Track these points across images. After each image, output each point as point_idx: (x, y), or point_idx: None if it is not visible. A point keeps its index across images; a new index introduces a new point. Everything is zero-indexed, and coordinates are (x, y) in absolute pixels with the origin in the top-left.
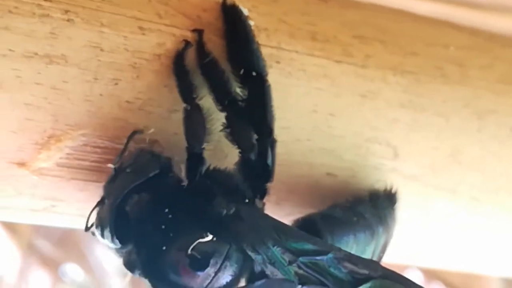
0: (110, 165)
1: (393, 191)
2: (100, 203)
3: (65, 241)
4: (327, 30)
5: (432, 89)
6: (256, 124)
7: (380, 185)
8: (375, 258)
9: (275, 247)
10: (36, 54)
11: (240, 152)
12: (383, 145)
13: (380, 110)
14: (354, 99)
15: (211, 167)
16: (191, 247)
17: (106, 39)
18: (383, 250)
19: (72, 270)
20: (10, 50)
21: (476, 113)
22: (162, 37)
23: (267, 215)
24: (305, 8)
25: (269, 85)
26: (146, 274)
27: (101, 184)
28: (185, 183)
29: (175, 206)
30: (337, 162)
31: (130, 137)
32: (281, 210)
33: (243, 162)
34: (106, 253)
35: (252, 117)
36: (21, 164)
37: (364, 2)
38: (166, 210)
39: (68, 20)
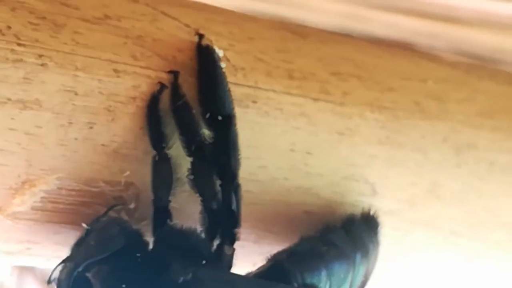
0: (84, 225)
1: (371, 213)
2: (64, 262)
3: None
4: (304, 67)
5: (410, 125)
6: (220, 169)
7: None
8: (356, 286)
9: None
10: (9, 99)
11: (201, 201)
12: (361, 182)
13: (357, 147)
14: (331, 137)
15: (170, 225)
16: None
17: (81, 83)
18: (366, 278)
19: None
20: None
21: (454, 148)
22: (137, 80)
23: (227, 272)
24: (282, 45)
25: (234, 129)
26: None
27: (77, 227)
28: (150, 244)
29: (134, 279)
30: (315, 200)
31: (109, 209)
32: (260, 248)
33: (205, 211)
34: None
35: (217, 162)
36: None
37: (341, 36)
38: (123, 285)
39: (42, 65)
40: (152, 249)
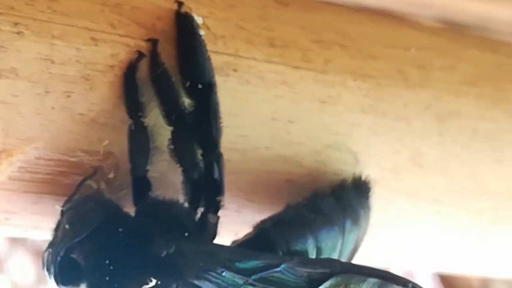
0: (57, 207)
1: (362, 179)
2: (49, 247)
3: None
4: (285, 35)
5: (393, 93)
6: (202, 138)
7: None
8: (344, 256)
9: (225, 272)
10: None
11: (182, 171)
12: (344, 151)
13: (340, 115)
14: (313, 105)
15: (151, 197)
16: None
17: (58, 51)
18: (356, 245)
19: None
20: None
21: (437, 116)
22: (116, 48)
23: (211, 242)
24: (263, 12)
25: (215, 97)
26: None
27: (55, 197)
28: (132, 215)
29: (117, 254)
30: (297, 169)
31: (82, 181)
32: (241, 217)
33: (186, 180)
34: None
35: (198, 131)
36: None
37: (324, 4)
38: (107, 261)
39: (17, 33)
40: (134, 222)
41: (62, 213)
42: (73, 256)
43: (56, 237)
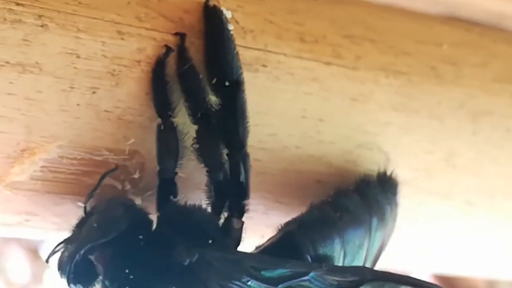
0: (80, 204)
1: (387, 174)
2: (65, 242)
3: None
4: (315, 30)
5: (425, 90)
6: (227, 137)
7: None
8: (371, 255)
9: (250, 281)
10: (7, 62)
11: (206, 171)
12: (375, 150)
13: (371, 113)
14: (344, 102)
15: (174, 202)
16: None
17: (83, 45)
18: (383, 244)
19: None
20: None
21: (471, 115)
22: (143, 42)
23: (235, 250)
24: (293, 6)
25: (242, 96)
26: None
27: (79, 198)
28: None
29: (138, 262)
30: (327, 169)
31: (103, 177)
32: (269, 220)
33: (211, 183)
34: None
35: (224, 130)
36: None
37: None
38: (127, 270)
39: (42, 26)
40: (156, 229)
41: (86, 211)
42: (91, 257)
43: (78, 234)
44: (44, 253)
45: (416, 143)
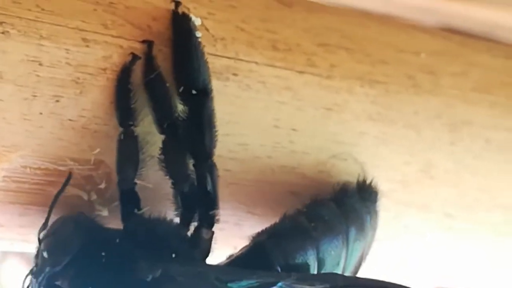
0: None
1: (367, 181)
2: (31, 274)
3: None
4: (289, 38)
5: (403, 100)
6: (194, 148)
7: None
8: (350, 266)
9: None
10: None
11: (172, 183)
12: (350, 161)
13: (346, 123)
14: (318, 112)
15: (137, 215)
16: None
17: (46, 53)
18: (363, 255)
19: None
20: None
21: (449, 125)
22: (108, 50)
23: (200, 262)
24: (266, 14)
25: (210, 105)
26: None
27: (44, 208)
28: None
29: (101, 279)
30: (300, 180)
31: (53, 204)
32: (241, 231)
33: (177, 194)
34: None
35: (190, 140)
36: None
37: (329, 6)
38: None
39: (3, 33)
40: (118, 243)
41: (39, 240)
42: (57, 283)
43: (37, 265)
44: None
45: (393, 154)
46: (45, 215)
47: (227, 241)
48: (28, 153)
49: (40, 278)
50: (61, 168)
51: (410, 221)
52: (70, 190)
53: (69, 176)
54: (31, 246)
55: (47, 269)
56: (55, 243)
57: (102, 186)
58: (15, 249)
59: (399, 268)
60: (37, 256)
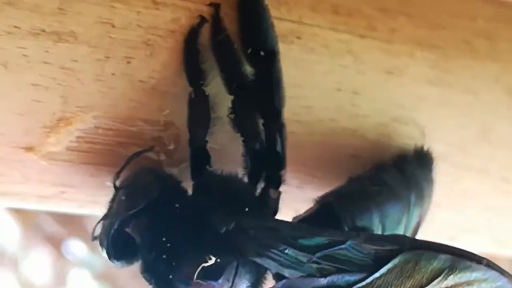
0: (108, 183)
1: (424, 150)
2: (104, 218)
3: (69, 218)
4: (349, 2)
5: (461, 64)
6: (263, 107)
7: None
8: (408, 232)
9: (288, 249)
10: (43, 31)
11: (243, 141)
12: (410, 124)
13: (406, 87)
14: (379, 76)
15: (209, 171)
16: (195, 275)
17: (118, 15)
18: (420, 221)
19: (76, 246)
20: (15, 26)
21: (506, 89)
22: (177, 12)
23: (272, 218)
24: None
25: (278, 65)
26: None
27: (114, 169)
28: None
29: (174, 230)
30: (361, 143)
31: (130, 158)
32: (303, 194)
33: (247, 152)
34: None
35: (259, 100)
36: (29, 149)
37: None
38: (163, 238)
39: None
40: (192, 197)
41: (116, 186)
42: (128, 230)
43: (111, 209)
44: (67, 251)
45: (451, 118)
46: (108, 184)
47: (289, 204)
48: (101, 113)
49: (114, 220)
50: (131, 128)
51: (467, 185)
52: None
53: (142, 151)
54: (99, 209)
55: (122, 212)
56: (133, 189)
57: (171, 147)
58: (83, 211)
59: (456, 232)
60: (113, 200)
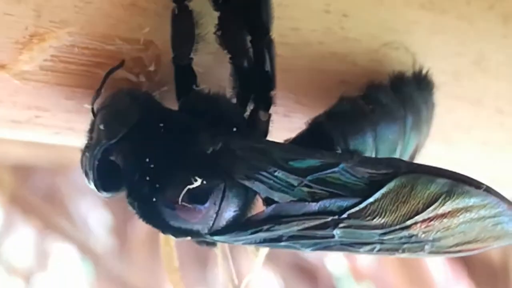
0: (86, 106)
1: (423, 72)
2: (85, 150)
3: (51, 196)
4: None
5: None
6: (251, 23)
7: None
8: (405, 157)
9: (278, 171)
10: None
11: (230, 59)
12: (402, 50)
13: (398, 10)
14: None
15: (195, 90)
16: (180, 197)
17: None
18: (415, 150)
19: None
20: None
21: (502, 16)
22: None
23: (262, 139)
24: None
25: None
26: (145, 220)
27: (91, 92)
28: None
29: (158, 151)
30: (351, 68)
31: (107, 74)
32: (290, 123)
33: (235, 71)
34: (91, 208)
35: (247, 15)
36: (1, 67)
37: None
38: (147, 159)
39: None
40: (176, 116)
41: (94, 111)
42: (112, 158)
43: (91, 139)
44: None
45: (445, 45)
46: (86, 107)
47: (276, 134)
48: (76, 30)
49: (95, 151)
50: (109, 47)
51: (461, 116)
52: (118, 72)
53: (123, 62)
54: (75, 136)
55: (103, 141)
56: (111, 115)
57: (152, 68)
58: (59, 139)
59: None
60: (91, 129)
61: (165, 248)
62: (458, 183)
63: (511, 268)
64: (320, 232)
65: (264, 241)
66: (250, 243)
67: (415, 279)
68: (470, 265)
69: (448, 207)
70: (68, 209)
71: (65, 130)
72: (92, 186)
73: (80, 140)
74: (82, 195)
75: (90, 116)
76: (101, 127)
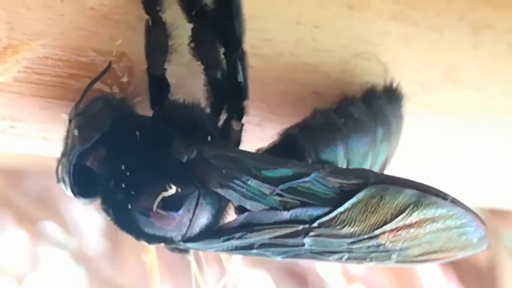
0: (64, 116)
1: (393, 85)
2: (61, 157)
3: (43, 199)
4: None
5: (425, 0)
6: (224, 35)
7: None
8: (375, 168)
9: (250, 180)
10: None
11: (204, 70)
12: (373, 61)
13: (369, 22)
14: (341, 10)
15: (170, 100)
16: (155, 204)
17: None
18: (386, 160)
19: (50, 228)
20: None
21: (472, 28)
22: None
23: (235, 148)
24: None
25: None
26: (119, 226)
27: (65, 102)
28: (148, 119)
29: (133, 158)
30: (323, 79)
31: (88, 87)
32: (263, 133)
33: (209, 82)
34: (83, 211)
35: (220, 28)
36: None
37: None
38: (122, 167)
39: None
40: (151, 124)
41: (70, 120)
42: (87, 163)
43: (67, 145)
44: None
45: (416, 55)
46: (66, 110)
47: (249, 143)
48: (49, 42)
49: (71, 157)
50: (82, 59)
51: (432, 125)
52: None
53: (109, 65)
54: (51, 146)
55: (77, 147)
56: (85, 121)
57: (124, 79)
58: (35, 149)
59: (420, 173)
60: (67, 136)
61: (147, 255)
62: (425, 194)
63: (498, 271)
64: (291, 241)
65: (236, 249)
66: (222, 251)
67: (405, 282)
68: (459, 268)
69: (415, 217)
70: (60, 213)
71: (41, 141)
72: (69, 192)
73: (55, 149)
74: (74, 199)
75: (65, 125)
76: (75, 132)
